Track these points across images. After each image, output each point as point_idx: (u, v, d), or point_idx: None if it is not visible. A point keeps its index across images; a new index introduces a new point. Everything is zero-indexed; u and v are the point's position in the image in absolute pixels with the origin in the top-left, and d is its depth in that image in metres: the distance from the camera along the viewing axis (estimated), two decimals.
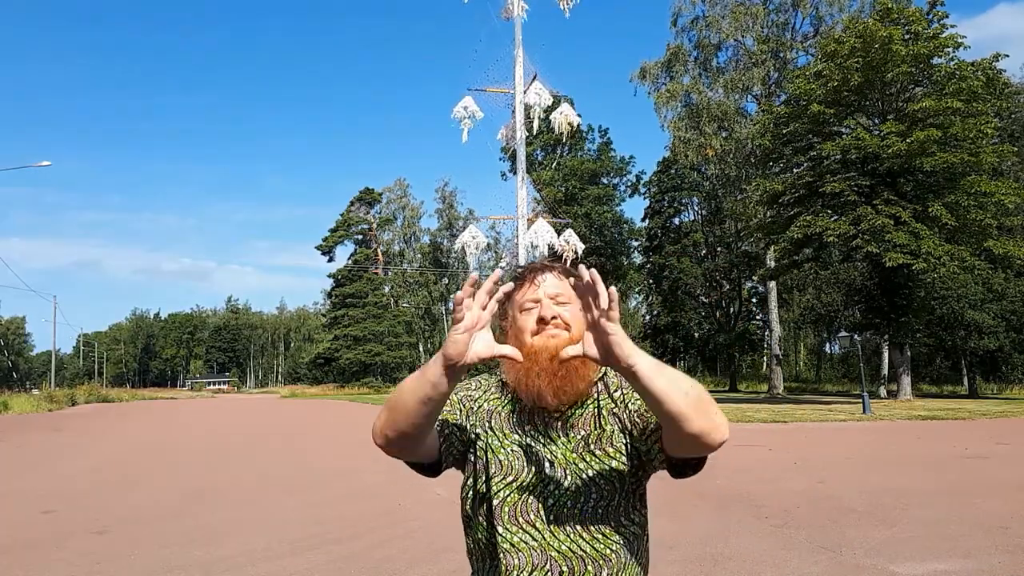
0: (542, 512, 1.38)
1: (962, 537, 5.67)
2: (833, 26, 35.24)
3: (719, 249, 54.03)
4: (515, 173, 30.79)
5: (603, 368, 1.44)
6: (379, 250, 71.88)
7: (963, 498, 7.40)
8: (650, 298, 64.08)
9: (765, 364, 50.99)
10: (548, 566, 1.35)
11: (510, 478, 1.39)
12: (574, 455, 1.40)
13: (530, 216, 28.30)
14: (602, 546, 1.37)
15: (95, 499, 8.39)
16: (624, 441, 1.42)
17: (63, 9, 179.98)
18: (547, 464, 1.40)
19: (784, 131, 28.02)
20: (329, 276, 72.83)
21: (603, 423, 1.43)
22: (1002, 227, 26.52)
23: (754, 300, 54.01)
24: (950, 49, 25.72)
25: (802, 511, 6.80)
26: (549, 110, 28.25)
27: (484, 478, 1.42)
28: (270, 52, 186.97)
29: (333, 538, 6.07)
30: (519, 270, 1.51)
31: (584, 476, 1.38)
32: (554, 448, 1.41)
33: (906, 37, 25.26)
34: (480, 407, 1.47)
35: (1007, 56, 26.61)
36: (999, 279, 31.09)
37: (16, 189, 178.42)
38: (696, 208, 57.28)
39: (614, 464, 1.40)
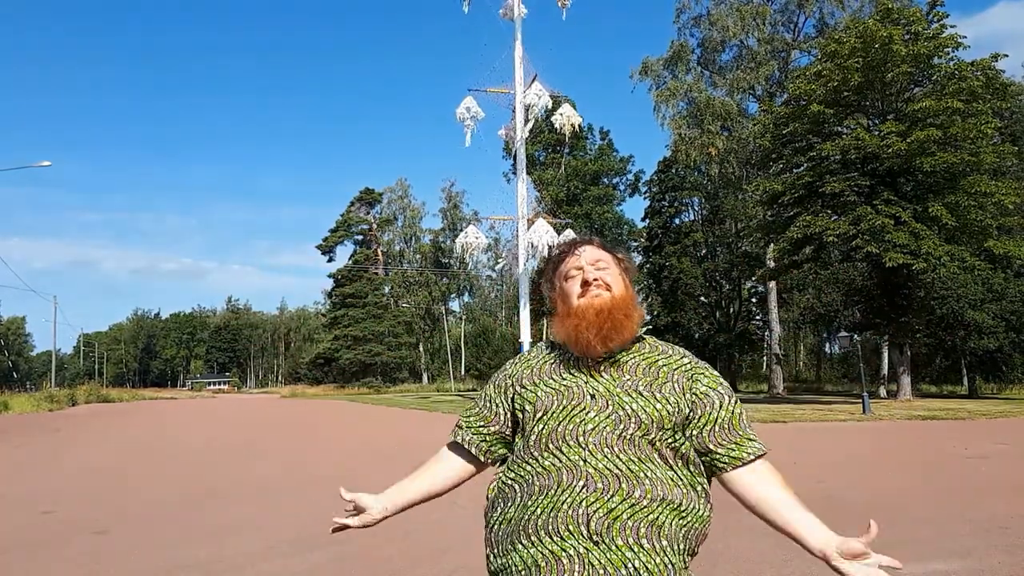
0: (579, 437, 1.50)
1: (962, 537, 5.67)
2: (836, 26, 35.24)
3: (719, 249, 54.01)
4: (515, 174, 30.80)
5: (645, 324, 1.70)
6: (379, 250, 71.86)
7: (963, 498, 7.39)
8: (650, 298, 64.00)
9: (765, 364, 51.00)
10: (584, 482, 1.45)
11: (540, 413, 1.55)
12: (619, 390, 1.54)
13: (530, 216, 28.30)
14: (636, 468, 1.47)
15: (95, 499, 8.39)
16: (675, 398, 1.56)
17: (63, 9, 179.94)
18: (588, 397, 1.54)
19: (784, 131, 28.00)
20: (329, 276, 72.82)
21: (661, 374, 1.58)
22: (1002, 227, 26.49)
23: (754, 300, 53.98)
24: (950, 49, 25.71)
25: None
26: (550, 111, 28.27)
27: (521, 427, 1.61)
28: (270, 52, 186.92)
29: (334, 538, 6.06)
30: (561, 246, 1.74)
31: (627, 408, 1.52)
32: (596, 384, 1.56)
33: (906, 37, 25.24)
34: (513, 375, 1.69)
35: (1007, 56, 26.63)
36: (999, 279, 31.06)
37: (16, 189, 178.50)
38: (696, 208, 57.26)
39: (658, 407, 1.53)
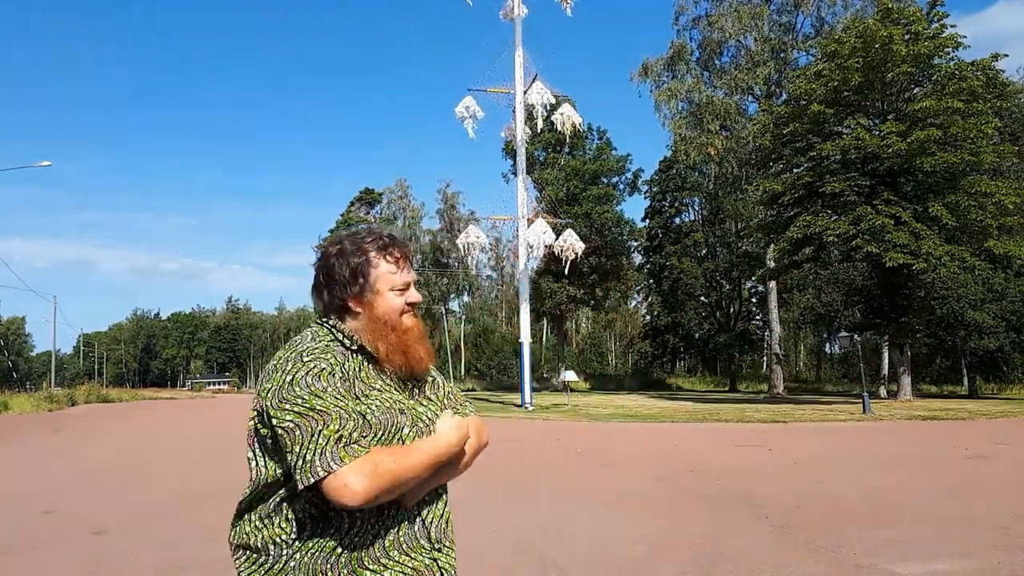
0: None
1: (962, 537, 5.67)
2: (834, 26, 35.24)
3: (719, 249, 54.01)
4: (515, 174, 30.80)
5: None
6: None
7: (963, 498, 7.39)
8: (650, 298, 64.03)
9: (765, 364, 50.99)
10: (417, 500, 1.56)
11: (379, 433, 1.50)
12: (412, 401, 1.61)
13: (530, 216, 28.30)
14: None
15: (95, 499, 8.39)
16: (442, 392, 1.70)
17: (63, 9, 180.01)
18: (399, 413, 1.55)
19: (784, 131, 28.00)
20: None
21: (431, 375, 1.70)
22: (1002, 227, 26.49)
23: (754, 300, 53.99)
24: (950, 49, 25.72)
25: (802, 511, 6.80)
26: (550, 110, 28.28)
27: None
28: (270, 52, 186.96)
29: None
30: (377, 241, 1.62)
31: (423, 419, 1.59)
32: (398, 396, 1.58)
33: (906, 37, 25.25)
34: (347, 380, 1.52)
35: (1007, 56, 26.65)
36: (999, 279, 31.09)
37: (16, 189, 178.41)
38: (696, 208, 57.24)
39: (438, 407, 1.64)
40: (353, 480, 1.39)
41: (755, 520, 6.42)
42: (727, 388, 50.13)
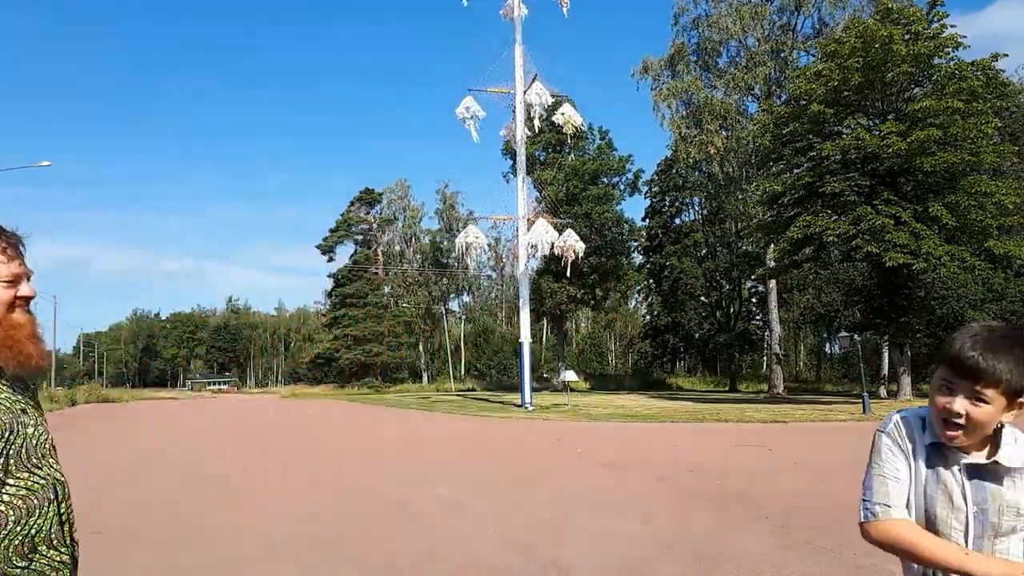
0: (39, 452, 1.55)
1: None
2: (834, 27, 35.25)
3: (719, 249, 53.98)
4: (515, 174, 30.81)
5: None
6: (379, 250, 71.88)
7: None
8: (650, 298, 63.98)
9: (765, 364, 50.97)
10: (64, 493, 1.61)
11: (5, 432, 1.47)
12: (31, 404, 1.59)
13: (530, 216, 28.32)
14: (60, 471, 1.63)
15: (94, 499, 8.39)
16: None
17: (63, 8, 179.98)
18: (20, 411, 1.52)
19: (784, 131, 27.99)
20: (329, 276, 72.81)
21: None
22: (1002, 227, 26.47)
23: (754, 300, 53.95)
24: (950, 49, 25.72)
25: (802, 511, 6.80)
26: (550, 110, 28.30)
27: None
28: (270, 52, 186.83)
29: (332, 539, 6.07)
30: None
31: (40, 421, 1.59)
32: (19, 397, 1.54)
33: (906, 37, 25.24)
34: None
35: (1007, 56, 26.65)
36: (999, 279, 31.06)
37: (16, 189, 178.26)
38: (697, 208, 57.21)
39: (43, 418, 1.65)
40: None
41: (755, 520, 6.42)
42: (727, 388, 50.09)
